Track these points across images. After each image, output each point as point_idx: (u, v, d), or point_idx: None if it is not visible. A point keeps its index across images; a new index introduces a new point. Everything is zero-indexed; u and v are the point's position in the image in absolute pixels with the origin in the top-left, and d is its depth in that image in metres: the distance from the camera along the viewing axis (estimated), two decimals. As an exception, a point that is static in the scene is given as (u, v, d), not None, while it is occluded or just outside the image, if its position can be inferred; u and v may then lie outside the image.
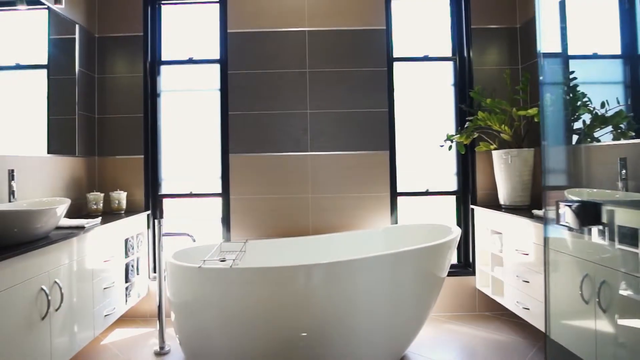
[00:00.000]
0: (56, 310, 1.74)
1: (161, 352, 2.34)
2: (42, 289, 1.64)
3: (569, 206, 0.95)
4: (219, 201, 2.96)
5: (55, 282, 1.73)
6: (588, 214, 0.94)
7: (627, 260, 1.27)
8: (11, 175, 1.99)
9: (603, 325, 1.49)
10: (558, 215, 1.01)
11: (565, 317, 1.75)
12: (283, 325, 1.97)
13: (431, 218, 2.96)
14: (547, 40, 2.05)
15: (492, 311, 2.83)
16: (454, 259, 2.97)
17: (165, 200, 3.01)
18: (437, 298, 2.27)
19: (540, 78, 1.99)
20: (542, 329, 2.02)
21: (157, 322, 2.43)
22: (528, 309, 2.16)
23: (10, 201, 1.98)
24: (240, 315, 1.98)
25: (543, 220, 1.99)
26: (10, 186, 1.98)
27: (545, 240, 1.68)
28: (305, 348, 1.99)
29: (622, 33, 1.89)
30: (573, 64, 1.99)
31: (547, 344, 1.60)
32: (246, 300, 1.97)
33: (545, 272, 1.56)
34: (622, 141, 1.78)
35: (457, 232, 2.26)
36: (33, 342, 1.61)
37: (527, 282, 2.16)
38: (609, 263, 1.35)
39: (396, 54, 2.96)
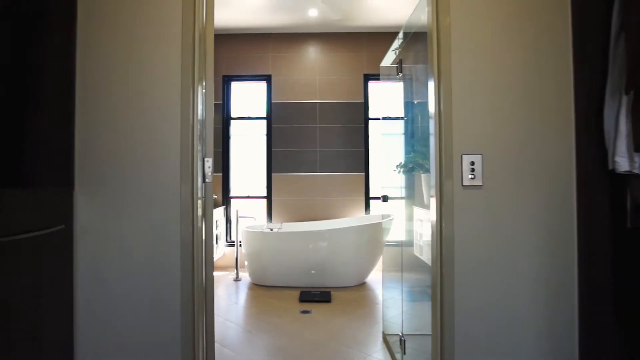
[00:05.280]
0: (198, 249, 3.79)
1: (237, 279, 4.39)
2: (195, 238, 3.70)
3: (381, 197, 2.94)
4: (264, 201, 5.01)
5: (199, 236, 3.80)
6: (384, 199, 2.92)
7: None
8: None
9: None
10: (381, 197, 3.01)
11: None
12: (303, 263, 4.00)
13: (387, 212, 4.94)
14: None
15: (422, 266, 4.80)
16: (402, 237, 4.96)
17: (232, 200, 5.08)
18: (382, 252, 4.26)
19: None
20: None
21: (234, 267, 4.49)
22: (429, 258, 4.13)
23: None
24: (282, 258, 4.02)
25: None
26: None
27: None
28: (314, 276, 4.02)
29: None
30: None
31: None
32: (284, 249, 4.01)
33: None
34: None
35: (390, 217, 4.25)
36: (194, 260, 3.68)
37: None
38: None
39: (370, 115, 4.97)
